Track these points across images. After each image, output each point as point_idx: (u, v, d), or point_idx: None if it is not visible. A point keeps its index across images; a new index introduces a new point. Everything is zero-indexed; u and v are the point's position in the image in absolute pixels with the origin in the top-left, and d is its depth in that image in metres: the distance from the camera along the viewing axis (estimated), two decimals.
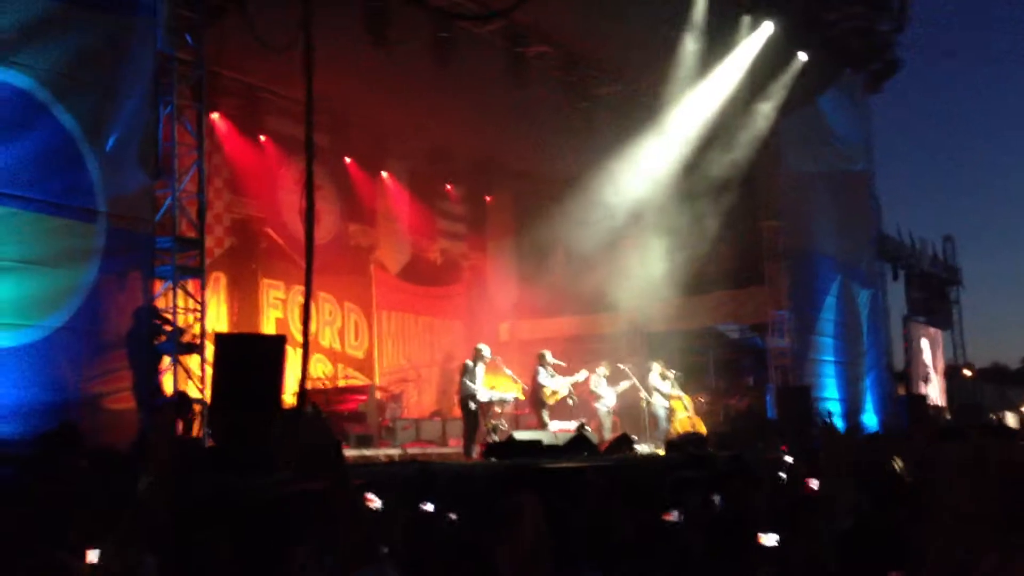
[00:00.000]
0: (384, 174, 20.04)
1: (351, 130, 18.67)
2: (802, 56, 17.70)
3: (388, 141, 19.85)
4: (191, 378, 10.82)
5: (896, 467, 5.23)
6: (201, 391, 10.63)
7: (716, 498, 4.80)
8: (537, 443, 12.60)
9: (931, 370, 29.50)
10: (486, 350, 14.54)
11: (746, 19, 16.33)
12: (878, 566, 3.56)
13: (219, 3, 12.27)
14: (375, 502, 5.50)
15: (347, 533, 2.98)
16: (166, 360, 10.51)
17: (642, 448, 14.82)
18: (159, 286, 10.65)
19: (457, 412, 15.56)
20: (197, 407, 10.27)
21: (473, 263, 22.66)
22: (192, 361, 10.88)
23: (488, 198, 22.77)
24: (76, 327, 9.51)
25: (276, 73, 15.34)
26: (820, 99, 20.04)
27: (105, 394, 9.83)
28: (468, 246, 22.53)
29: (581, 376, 16.10)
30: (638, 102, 18.40)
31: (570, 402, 15.81)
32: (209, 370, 10.33)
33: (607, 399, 16.55)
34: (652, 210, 18.70)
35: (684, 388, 17.26)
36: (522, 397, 15.48)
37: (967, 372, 36.12)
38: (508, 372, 15.31)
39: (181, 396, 10.25)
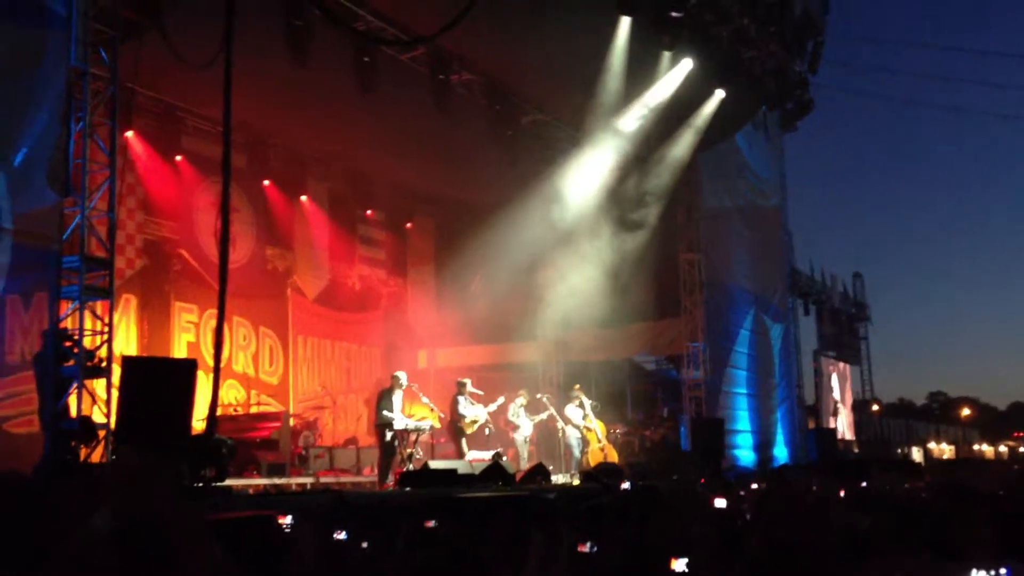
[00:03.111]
0: (303, 198, 19.80)
1: (270, 152, 18.44)
2: (720, 93, 18.08)
3: (308, 164, 19.66)
4: (96, 403, 10.46)
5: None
6: (107, 416, 10.28)
7: (629, 528, 4.81)
8: (452, 472, 12.51)
9: (840, 404, 30.19)
10: (403, 377, 14.40)
11: (666, 55, 16.61)
12: None
13: (136, 19, 12.01)
14: (285, 526, 5.38)
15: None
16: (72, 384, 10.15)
17: (558, 478, 14.83)
18: (66, 307, 10.30)
19: (372, 440, 15.36)
20: (101, 432, 9.93)
21: (392, 289, 22.49)
22: (98, 385, 10.53)
23: (409, 224, 22.67)
24: None
25: (194, 92, 15.12)
26: (737, 135, 20.49)
27: (8, 417, 9.46)
28: (387, 272, 22.37)
29: (498, 403, 16.05)
30: (561, 133, 18.58)
31: (487, 431, 15.74)
32: (115, 394, 10.01)
33: (524, 428, 16.53)
34: (572, 241, 18.85)
35: (600, 417, 17.34)
36: (438, 425, 15.35)
37: (874, 407, 37.11)
38: (425, 400, 15.19)
39: (83, 422, 9.89)
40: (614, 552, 4.24)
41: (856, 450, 29.62)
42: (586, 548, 4.28)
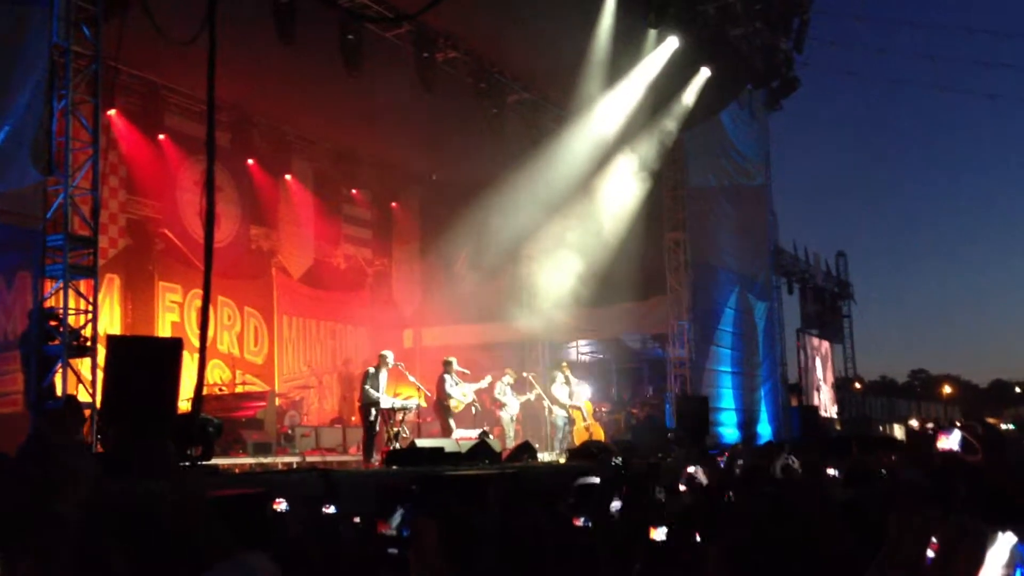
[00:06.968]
0: (288, 176, 19.71)
1: (254, 131, 18.34)
2: (705, 71, 18.06)
3: (293, 143, 19.57)
4: (81, 382, 10.42)
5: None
6: (91, 395, 10.24)
7: (623, 502, 4.84)
8: (439, 450, 12.53)
9: (822, 382, 30.36)
10: (390, 356, 14.38)
11: (652, 33, 16.56)
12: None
13: None
14: (281, 504, 5.41)
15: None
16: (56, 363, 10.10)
17: (543, 456, 14.88)
18: (50, 286, 10.24)
19: (358, 419, 15.37)
20: (87, 412, 9.90)
21: (377, 269, 22.47)
22: (83, 364, 10.48)
23: (394, 204, 22.61)
24: None
25: (177, 70, 15.02)
26: (722, 114, 20.47)
27: None
28: (373, 251, 22.34)
29: (486, 382, 16.07)
30: (546, 112, 18.53)
31: (473, 410, 15.78)
32: (100, 373, 9.96)
33: (511, 407, 16.57)
34: (558, 220, 18.83)
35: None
36: (424, 404, 15.37)
37: (857, 385, 37.34)
38: (411, 379, 15.19)
39: (69, 400, 9.86)
40: (603, 525, 4.27)
41: (838, 427, 29.80)
42: (579, 522, 4.31)
